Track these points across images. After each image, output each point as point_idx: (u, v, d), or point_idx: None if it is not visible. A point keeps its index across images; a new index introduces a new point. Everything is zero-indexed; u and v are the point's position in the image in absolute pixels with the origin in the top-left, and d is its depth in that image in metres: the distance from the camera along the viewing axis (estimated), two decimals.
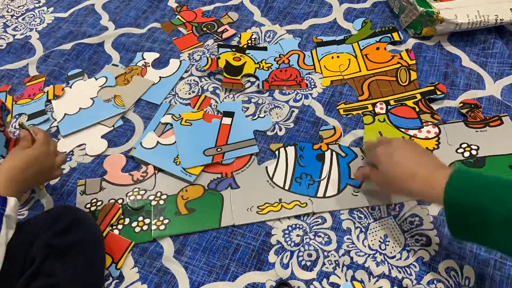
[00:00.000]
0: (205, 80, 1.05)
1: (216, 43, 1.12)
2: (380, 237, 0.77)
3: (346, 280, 0.73)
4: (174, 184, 0.87)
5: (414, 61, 1.02)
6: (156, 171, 0.89)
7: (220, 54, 1.07)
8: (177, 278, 0.75)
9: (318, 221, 0.80)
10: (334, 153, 0.89)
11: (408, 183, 0.68)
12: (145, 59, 1.11)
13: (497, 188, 0.60)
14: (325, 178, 0.85)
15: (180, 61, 1.10)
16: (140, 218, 0.82)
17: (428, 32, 1.05)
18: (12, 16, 1.29)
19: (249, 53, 1.08)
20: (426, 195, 0.67)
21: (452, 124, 0.91)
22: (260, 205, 0.82)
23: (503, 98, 0.95)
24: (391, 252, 0.75)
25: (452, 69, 1.00)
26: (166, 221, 0.81)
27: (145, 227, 0.81)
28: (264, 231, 0.79)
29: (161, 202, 0.84)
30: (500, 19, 1.01)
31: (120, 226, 0.82)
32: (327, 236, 0.78)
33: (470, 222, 0.61)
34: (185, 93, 1.03)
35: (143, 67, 1.09)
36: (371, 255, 0.75)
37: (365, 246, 0.77)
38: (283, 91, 1.00)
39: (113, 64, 1.11)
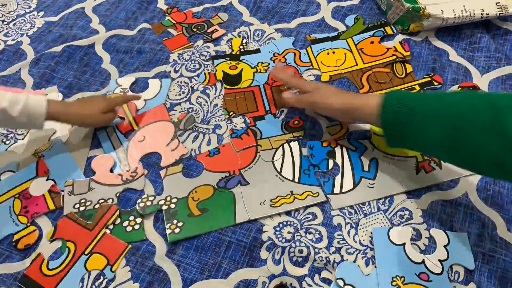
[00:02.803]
0: (195, 80, 1.05)
1: (210, 56, 1.11)
2: (371, 232, 0.78)
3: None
4: (182, 187, 0.86)
5: (409, 52, 1.03)
6: (145, 172, 0.89)
7: (216, 66, 1.08)
8: (169, 276, 0.76)
9: (309, 217, 0.80)
10: (344, 148, 0.89)
11: (342, 95, 0.82)
12: (120, 85, 1.07)
13: (426, 97, 0.70)
14: (332, 168, 0.86)
15: (160, 80, 1.06)
16: (131, 218, 0.83)
17: (416, 28, 1.06)
18: (3, 21, 1.30)
19: (243, 59, 1.09)
20: (359, 107, 0.78)
21: None
22: (272, 198, 0.83)
23: (491, 91, 0.95)
24: None
25: (439, 64, 1.01)
26: (180, 224, 0.81)
27: (136, 226, 0.81)
28: (255, 228, 0.80)
29: (172, 206, 0.84)
30: (486, 14, 1.02)
31: (111, 226, 0.82)
32: (318, 232, 0.78)
33: (404, 128, 0.70)
34: (175, 95, 1.03)
35: (121, 93, 1.04)
36: (361, 251, 0.76)
37: (356, 242, 0.77)
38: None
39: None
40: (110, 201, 0.85)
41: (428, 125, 0.67)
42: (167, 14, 1.24)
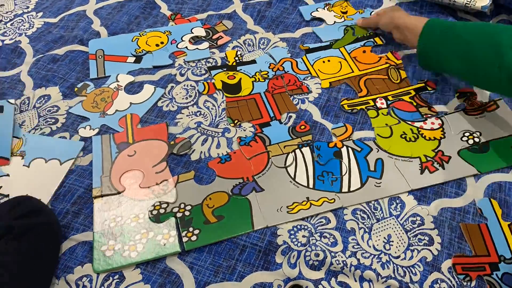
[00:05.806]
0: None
1: (207, 67, 1.10)
2: (384, 237, 0.78)
3: (355, 280, 0.73)
4: (196, 194, 0.84)
5: (400, 61, 1.08)
6: (176, 184, 0.86)
7: (214, 76, 1.07)
8: (182, 278, 0.74)
9: (322, 222, 0.80)
10: (349, 148, 0.91)
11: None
12: (118, 81, 1.06)
13: (456, 26, 0.89)
14: (346, 173, 0.87)
15: (155, 87, 1.05)
16: (165, 231, 0.79)
17: None
18: (0, 21, 1.27)
19: (240, 69, 1.09)
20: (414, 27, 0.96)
21: (453, 114, 0.96)
22: (289, 205, 0.82)
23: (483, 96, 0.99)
24: (395, 252, 0.76)
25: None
26: (196, 232, 0.79)
27: (171, 239, 0.78)
28: (270, 231, 0.79)
29: (187, 213, 0.82)
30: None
31: (144, 240, 0.78)
32: (332, 237, 0.78)
33: (437, 52, 0.91)
34: (182, 98, 1.02)
35: (115, 89, 1.04)
36: (376, 256, 0.76)
37: (370, 247, 0.77)
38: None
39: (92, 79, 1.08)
40: (141, 215, 0.82)
41: (451, 51, 0.88)
42: (170, 20, 1.24)
